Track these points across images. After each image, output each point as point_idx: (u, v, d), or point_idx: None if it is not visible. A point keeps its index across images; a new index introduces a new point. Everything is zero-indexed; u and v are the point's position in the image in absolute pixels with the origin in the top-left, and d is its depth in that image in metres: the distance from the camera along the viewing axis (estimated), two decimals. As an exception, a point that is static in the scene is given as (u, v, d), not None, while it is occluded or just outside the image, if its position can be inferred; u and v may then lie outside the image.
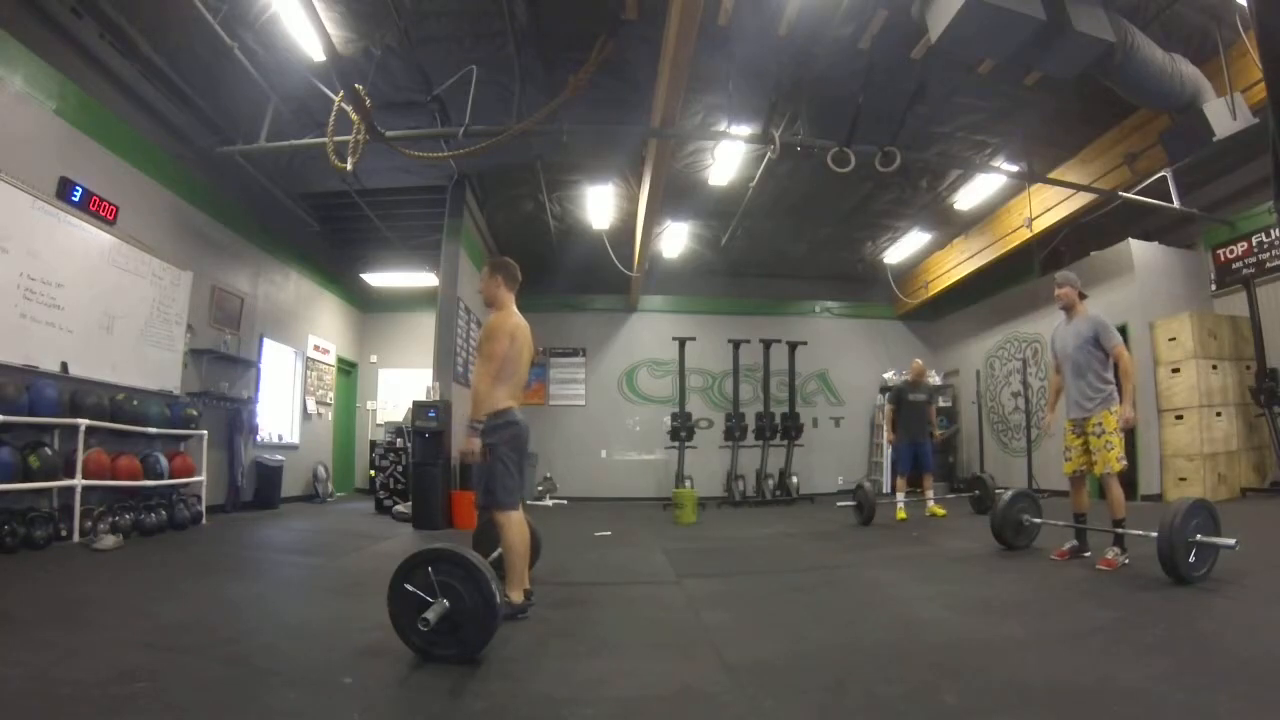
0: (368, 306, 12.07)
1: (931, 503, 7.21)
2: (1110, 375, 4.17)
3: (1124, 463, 4.10)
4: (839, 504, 7.37)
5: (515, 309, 3.39)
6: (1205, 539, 3.46)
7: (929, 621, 3.00)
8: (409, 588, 2.41)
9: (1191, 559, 3.44)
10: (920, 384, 7.54)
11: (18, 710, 1.92)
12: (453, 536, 6.11)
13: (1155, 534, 3.46)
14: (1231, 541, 3.40)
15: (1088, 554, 4.24)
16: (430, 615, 2.31)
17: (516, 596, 3.07)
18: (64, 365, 5.26)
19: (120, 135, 5.95)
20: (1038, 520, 4.77)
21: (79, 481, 4.98)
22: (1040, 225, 8.40)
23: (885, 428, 7.41)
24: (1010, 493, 4.97)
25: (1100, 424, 4.13)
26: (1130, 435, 7.25)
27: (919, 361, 7.82)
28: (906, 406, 7.40)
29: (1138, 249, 8.12)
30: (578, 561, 4.86)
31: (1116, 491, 4.06)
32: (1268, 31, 1.65)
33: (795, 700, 2.08)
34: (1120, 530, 3.98)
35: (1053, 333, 4.56)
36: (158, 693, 2.07)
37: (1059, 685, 2.12)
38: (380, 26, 5.52)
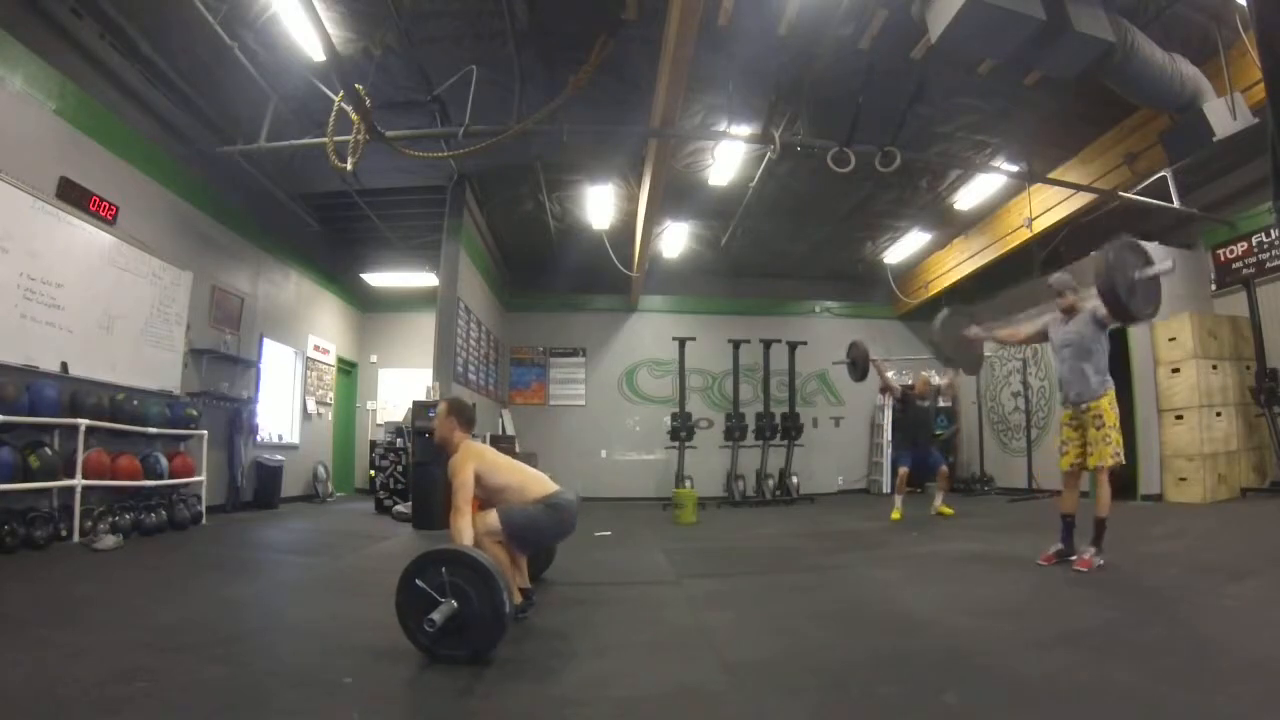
0: (368, 306, 12.06)
1: (939, 502, 7.20)
2: (1106, 364, 4.12)
3: (1120, 458, 3.99)
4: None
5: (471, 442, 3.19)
6: (1146, 272, 3.56)
7: (929, 621, 3.00)
8: (420, 584, 2.40)
9: (1139, 298, 3.58)
10: (925, 394, 7.57)
11: (18, 710, 1.92)
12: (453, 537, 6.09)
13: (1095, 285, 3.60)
14: (1169, 264, 3.59)
15: (1073, 558, 4.08)
16: (437, 616, 2.30)
17: (515, 598, 3.06)
18: (64, 365, 5.26)
19: (120, 135, 5.95)
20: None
21: (79, 481, 4.97)
22: (1040, 225, 8.40)
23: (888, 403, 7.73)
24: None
25: (1100, 416, 4.06)
26: (1130, 435, 7.25)
27: (925, 376, 7.87)
28: (913, 409, 7.48)
29: (1137, 249, 8.12)
30: (578, 561, 4.84)
31: (1106, 489, 4.00)
32: (1268, 31, 1.65)
33: (795, 700, 2.08)
34: (1101, 516, 3.93)
35: (1048, 328, 4.46)
36: (158, 693, 2.07)
37: (1059, 685, 2.12)
38: (380, 26, 5.52)
